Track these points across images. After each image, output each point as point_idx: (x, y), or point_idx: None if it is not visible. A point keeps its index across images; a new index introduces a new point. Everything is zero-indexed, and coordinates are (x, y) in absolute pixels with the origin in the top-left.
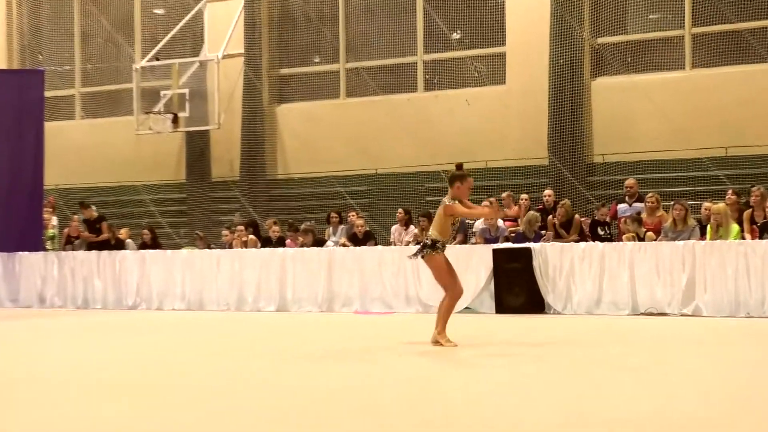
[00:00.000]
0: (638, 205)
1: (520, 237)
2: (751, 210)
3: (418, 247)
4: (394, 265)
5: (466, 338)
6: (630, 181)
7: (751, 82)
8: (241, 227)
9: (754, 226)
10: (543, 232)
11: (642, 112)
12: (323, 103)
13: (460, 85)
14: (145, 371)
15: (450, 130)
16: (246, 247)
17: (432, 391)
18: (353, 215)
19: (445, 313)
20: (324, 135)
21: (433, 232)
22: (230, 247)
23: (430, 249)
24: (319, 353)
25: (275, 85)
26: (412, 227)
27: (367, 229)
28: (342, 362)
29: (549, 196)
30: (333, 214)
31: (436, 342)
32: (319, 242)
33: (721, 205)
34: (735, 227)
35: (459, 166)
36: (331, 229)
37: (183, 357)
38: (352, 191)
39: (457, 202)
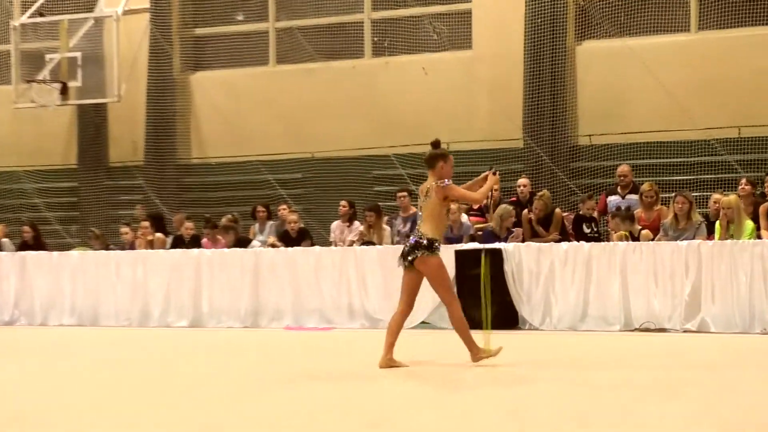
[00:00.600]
0: (632, 197)
1: (489, 235)
2: None
3: (406, 250)
4: (335, 271)
5: (426, 358)
6: (623, 168)
7: None
8: (146, 223)
9: None
10: (515, 229)
11: (638, 84)
12: (248, 72)
13: (416, 50)
14: (25, 412)
15: (403, 105)
16: (152, 248)
17: (403, 423)
18: (284, 209)
19: (463, 328)
20: (249, 110)
21: (426, 228)
22: (132, 247)
23: (426, 250)
24: (250, 380)
25: (189, 49)
26: (356, 223)
27: (302, 225)
28: (281, 390)
29: (524, 185)
30: (260, 208)
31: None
32: (243, 242)
33: (732, 197)
34: (749, 224)
35: (436, 144)
36: (257, 225)
37: (78, 388)
38: (283, 179)
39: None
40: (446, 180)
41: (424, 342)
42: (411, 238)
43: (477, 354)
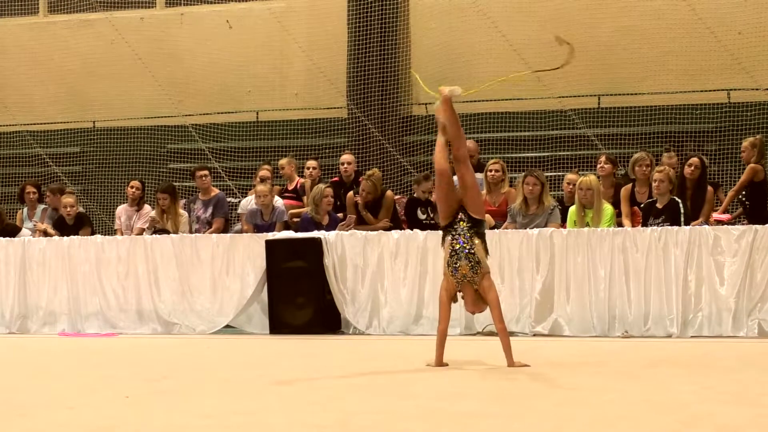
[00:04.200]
0: (477, 176)
1: (307, 222)
2: (631, 185)
3: None
4: (121, 265)
5: (233, 368)
6: (469, 146)
7: (635, 3)
8: None
9: (636, 208)
10: (340, 215)
11: (482, 44)
12: (13, 23)
13: None
14: None
15: (203, 67)
16: None
17: None
18: (48, 192)
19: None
20: (15, 69)
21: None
22: None
23: None
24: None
25: None
26: (147, 207)
27: (80, 210)
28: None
29: (348, 163)
30: (29, 188)
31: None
32: (11, 230)
33: (591, 176)
34: (608, 209)
35: None
36: (25, 210)
37: None
38: (57, 154)
39: None
40: None
41: (229, 350)
42: None
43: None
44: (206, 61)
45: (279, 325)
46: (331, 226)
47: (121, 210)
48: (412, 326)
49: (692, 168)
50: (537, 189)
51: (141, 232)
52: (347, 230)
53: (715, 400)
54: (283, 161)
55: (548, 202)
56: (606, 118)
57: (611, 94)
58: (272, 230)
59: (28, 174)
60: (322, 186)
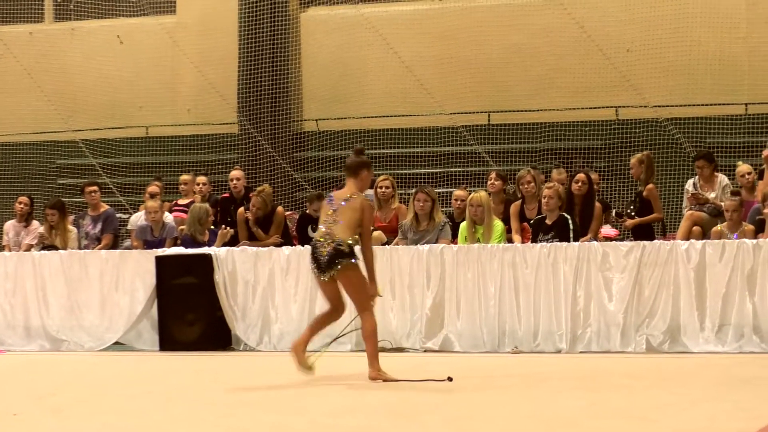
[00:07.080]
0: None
1: (188, 242)
2: (521, 201)
3: (325, 260)
4: (8, 281)
5: (122, 385)
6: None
7: (525, 20)
8: None
9: (526, 224)
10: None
11: (374, 62)
12: None
13: (108, 14)
14: None
15: (93, 81)
16: None
17: None
18: None
19: (372, 339)
20: None
21: (344, 232)
22: None
23: (348, 258)
24: None
25: None
26: (36, 223)
27: None
28: None
29: (238, 179)
30: None
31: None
32: None
33: (482, 193)
34: (498, 225)
35: (361, 151)
36: None
37: None
38: None
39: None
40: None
41: (117, 367)
42: (320, 243)
43: (376, 371)
44: (96, 76)
45: (169, 341)
46: (212, 241)
47: (9, 226)
48: None
49: (579, 184)
50: (428, 205)
51: (29, 248)
52: (225, 235)
53: (603, 415)
54: (185, 177)
55: (439, 218)
56: (496, 134)
57: (501, 111)
58: (162, 246)
59: None
60: (205, 205)
